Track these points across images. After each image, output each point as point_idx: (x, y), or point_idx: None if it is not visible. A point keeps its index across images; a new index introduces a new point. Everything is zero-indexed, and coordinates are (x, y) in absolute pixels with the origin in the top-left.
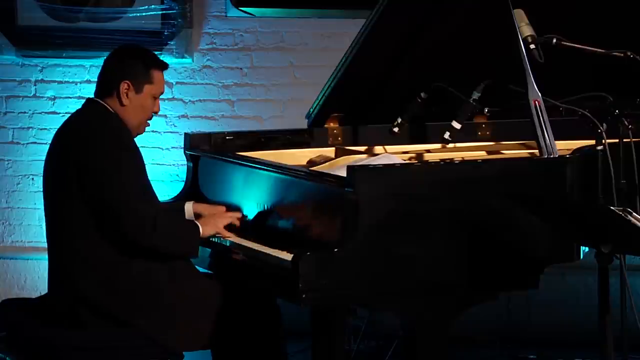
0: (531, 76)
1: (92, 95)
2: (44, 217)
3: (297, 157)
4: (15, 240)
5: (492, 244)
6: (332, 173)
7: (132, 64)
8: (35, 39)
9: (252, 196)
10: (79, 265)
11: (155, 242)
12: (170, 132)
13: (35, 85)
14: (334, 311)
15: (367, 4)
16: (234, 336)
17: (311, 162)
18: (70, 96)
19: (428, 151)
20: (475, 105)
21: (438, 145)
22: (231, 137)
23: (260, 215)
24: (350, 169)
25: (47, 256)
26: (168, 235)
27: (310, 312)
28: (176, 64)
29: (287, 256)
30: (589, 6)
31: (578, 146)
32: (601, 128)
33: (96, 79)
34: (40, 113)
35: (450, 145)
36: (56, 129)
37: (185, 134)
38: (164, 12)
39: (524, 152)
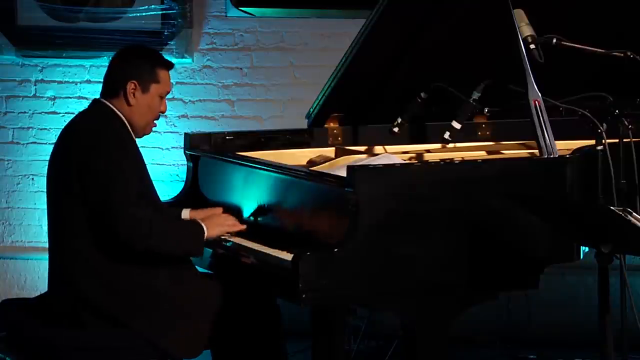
0: (531, 76)
1: (92, 95)
2: (44, 217)
3: (297, 157)
4: (15, 240)
5: (492, 244)
6: (332, 173)
7: (138, 63)
8: (35, 39)
9: (252, 196)
10: (79, 265)
11: (150, 245)
12: (170, 132)
13: (35, 85)
14: (334, 311)
15: (367, 4)
16: (234, 336)
17: (311, 162)
18: (70, 96)
19: (428, 151)
20: (475, 105)
21: (438, 145)
22: (231, 137)
23: (260, 215)
24: (350, 169)
25: (47, 256)
26: (165, 237)
27: (310, 312)
28: (176, 64)
29: (287, 256)
30: (589, 6)
31: (578, 146)
32: (601, 128)
33: (97, 80)
34: (40, 113)
35: (450, 145)
36: (56, 129)
37: (185, 134)
38: (164, 12)
39: (524, 152)
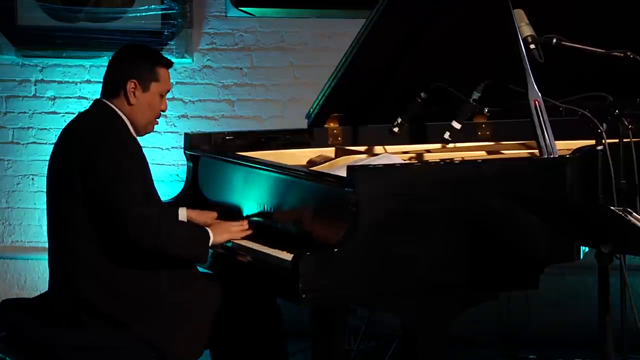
0: (531, 76)
1: (92, 95)
2: (44, 217)
3: (297, 157)
4: (15, 240)
5: (492, 244)
6: (332, 173)
7: (138, 62)
8: (35, 39)
9: (252, 196)
10: (79, 266)
11: (158, 244)
12: (170, 132)
13: (35, 85)
14: (334, 311)
15: (367, 4)
16: (234, 336)
17: (311, 162)
18: (70, 96)
19: (428, 151)
20: (475, 105)
21: (438, 145)
22: (231, 137)
23: (260, 215)
24: (350, 169)
25: (47, 256)
26: (172, 238)
27: (310, 312)
28: (176, 64)
29: (287, 256)
30: (589, 6)
31: (578, 146)
32: (601, 128)
33: (97, 80)
34: (40, 113)
35: (450, 145)
36: (56, 129)
37: (185, 134)
38: (164, 12)
39: (524, 152)
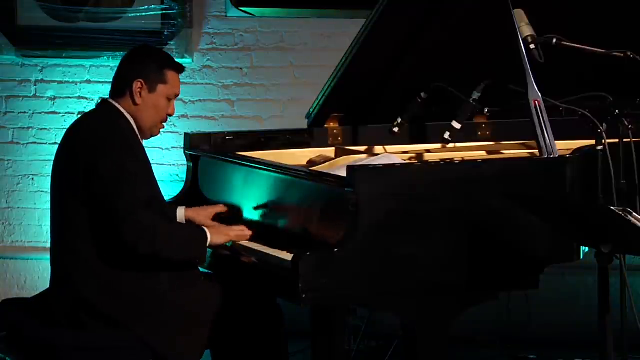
0: (531, 76)
1: (92, 95)
2: (43, 217)
3: (297, 157)
4: (15, 240)
5: (492, 244)
6: (332, 173)
7: (146, 63)
8: (35, 39)
9: (252, 196)
10: (80, 266)
11: (154, 251)
12: (170, 132)
13: (35, 85)
14: (334, 311)
15: (367, 4)
16: (235, 337)
17: (311, 162)
18: (70, 96)
19: (428, 151)
20: (475, 105)
21: (438, 145)
22: (231, 137)
23: (260, 215)
24: (350, 169)
25: (47, 256)
26: (169, 244)
27: (310, 312)
28: None
29: (287, 256)
30: (589, 6)
31: (578, 146)
32: (601, 128)
33: (97, 80)
34: (40, 113)
35: (450, 145)
36: (56, 129)
37: (185, 134)
38: (164, 12)
39: (524, 152)
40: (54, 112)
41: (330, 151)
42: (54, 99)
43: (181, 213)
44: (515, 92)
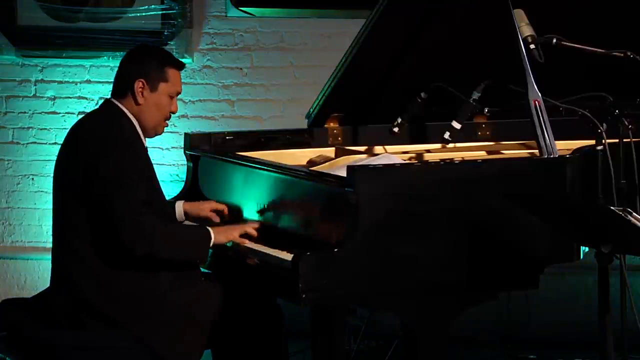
0: (531, 76)
1: (92, 95)
2: (43, 217)
3: (297, 157)
4: (15, 240)
5: (492, 244)
6: (332, 173)
7: (146, 62)
8: (35, 39)
9: (252, 196)
10: (80, 266)
11: (151, 253)
12: (170, 132)
13: (35, 85)
14: (334, 311)
15: (367, 4)
16: (235, 336)
17: (311, 162)
18: (70, 96)
19: (428, 151)
20: (475, 105)
21: (438, 145)
22: (231, 137)
23: (260, 215)
24: (350, 169)
25: (47, 256)
26: (169, 245)
27: (310, 312)
28: None
29: (287, 256)
30: (589, 6)
31: (578, 146)
32: (601, 128)
33: (97, 80)
34: (40, 113)
35: (450, 145)
36: (56, 129)
37: (185, 134)
38: (164, 12)
39: (524, 152)
40: (54, 112)
41: (330, 151)
42: (54, 99)
43: (180, 206)
44: (515, 92)
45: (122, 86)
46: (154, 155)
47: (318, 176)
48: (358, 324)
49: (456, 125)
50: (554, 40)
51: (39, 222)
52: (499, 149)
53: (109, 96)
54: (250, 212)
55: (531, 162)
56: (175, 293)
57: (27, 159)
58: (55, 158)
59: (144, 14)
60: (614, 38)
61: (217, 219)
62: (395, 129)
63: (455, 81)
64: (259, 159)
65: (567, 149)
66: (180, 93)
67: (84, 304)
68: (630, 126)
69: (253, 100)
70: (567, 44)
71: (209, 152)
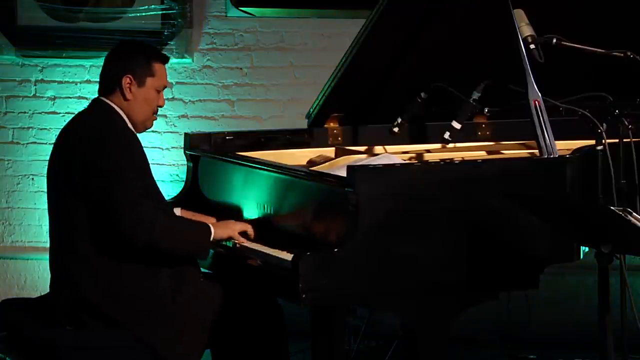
0: (531, 76)
1: (92, 95)
2: (43, 217)
3: (297, 157)
4: (15, 240)
5: (492, 244)
6: (332, 173)
7: (132, 57)
8: (35, 39)
9: (252, 196)
10: (79, 266)
11: (152, 242)
12: (170, 132)
13: (35, 85)
14: (334, 311)
15: (367, 4)
16: (235, 336)
17: (311, 162)
18: (70, 96)
19: (428, 151)
20: (475, 105)
21: (438, 145)
22: (231, 137)
23: (260, 215)
24: (350, 169)
25: (47, 256)
26: (169, 236)
27: (310, 312)
28: (176, 64)
29: (287, 256)
30: (589, 6)
31: (578, 146)
32: (601, 128)
33: (97, 80)
34: (40, 113)
35: (450, 145)
36: (56, 129)
37: (185, 134)
38: (164, 12)
39: (524, 152)
40: (54, 112)
41: (330, 151)
42: (54, 99)
43: (177, 213)
44: (515, 92)
45: (110, 84)
46: (154, 155)
47: (318, 176)
48: (358, 324)
49: (456, 125)
50: (554, 40)
51: (39, 222)
52: (499, 149)
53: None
54: (251, 212)
55: (531, 162)
56: (175, 293)
57: (27, 159)
58: None
59: (144, 14)
60: (614, 38)
61: None
62: (395, 129)
63: (455, 81)
64: (259, 159)
65: (567, 149)
66: (166, 87)
67: (84, 303)
68: (630, 126)
69: (253, 100)
70: (567, 44)
71: (209, 152)
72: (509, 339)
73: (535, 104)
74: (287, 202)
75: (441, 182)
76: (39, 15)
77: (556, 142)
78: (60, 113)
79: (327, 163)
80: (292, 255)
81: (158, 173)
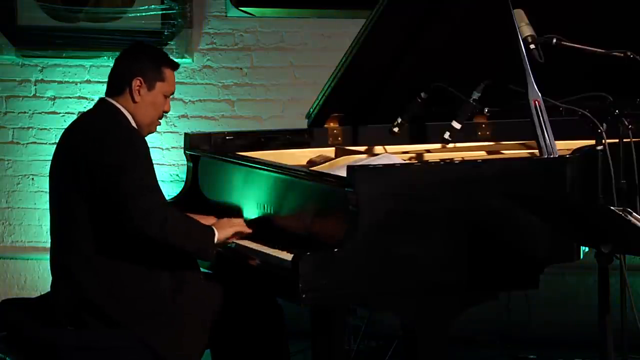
0: (531, 76)
1: (92, 95)
2: (44, 217)
3: (297, 157)
4: (15, 240)
5: (492, 244)
6: (332, 173)
7: (145, 60)
8: (35, 39)
9: (252, 196)
10: (81, 265)
11: (163, 234)
12: (170, 132)
13: (35, 85)
14: (334, 311)
15: (367, 4)
16: (235, 336)
17: (311, 162)
18: (70, 96)
19: (428, 151)
20: (475, 105)
21: (438, 145)
22: (231, 137)
23: (260, 215)
24: (350, 169)
25: (47, 256)
26: (178, 229)
27: (310, 312)
28: None
29: (287, 256)
30: (589, 6)
31: (578, 146)
32: (601, 128)
33: (97, 80)
34: (40, 113)
35: (450, 145)
36: (56, 129)
37: (185, 134)
38: (164, 12)
39: (524, 152)
40: (54, 112)
41: (330, 151)
42: (54, 99)
43: None
44: (515, 92)
45: (119, 84)
46: (154, 155)
47: (318, 176)
48: (358, 324)
49: (456, 125)
50: (554, 40)
51: (39, 222)
52: (499, 149)
53: (104, 95)
54: (250, 212)
55: (531, 162)
56: (176, 293)
57: (27, 159)
58: None
59: (144, 14)
60: (614, 38)
61: None
62: (395, 129)
63: (455, 81)
64: (259, 159)
65: (567, 149)
66: (173, 93)
67: (85, 303)
68: (630, 126)
69: (253, 100)
70: (567, 44)
71: (209, 152)
72: (509, 339)
73: (535, 104)
74: (287, 202)
75: (441, 182)
76: (39, 15)
77: (556, 142)
78: (60, 113)
79: (327, 163)
80: (292, 255)
81: (158, 173)
